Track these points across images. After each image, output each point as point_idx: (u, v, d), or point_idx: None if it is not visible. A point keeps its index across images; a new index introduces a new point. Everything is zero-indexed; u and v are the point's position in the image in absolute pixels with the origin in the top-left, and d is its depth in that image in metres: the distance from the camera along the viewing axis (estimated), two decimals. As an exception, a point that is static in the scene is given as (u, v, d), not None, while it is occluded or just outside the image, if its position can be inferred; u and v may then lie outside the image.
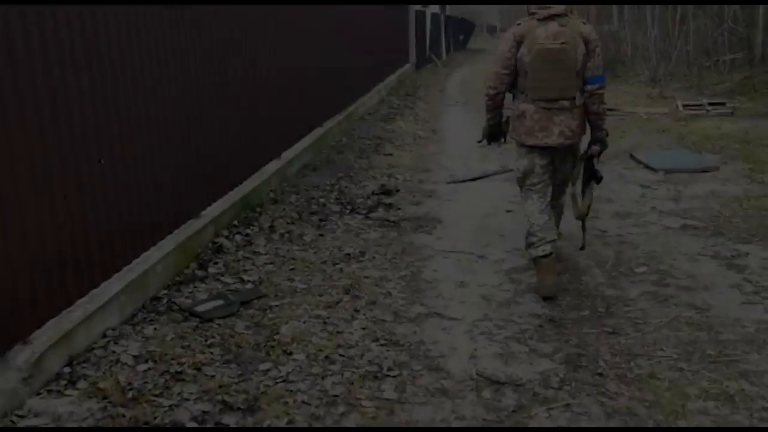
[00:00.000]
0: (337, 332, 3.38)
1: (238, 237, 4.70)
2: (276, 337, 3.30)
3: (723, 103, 10.06)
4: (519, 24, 3.87)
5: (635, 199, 5.79)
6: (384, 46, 13.86)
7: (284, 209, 5.41)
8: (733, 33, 14.27)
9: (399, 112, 11.45)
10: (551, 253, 3.87)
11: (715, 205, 5.48)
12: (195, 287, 3.86)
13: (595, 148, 3.98)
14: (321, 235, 4.92)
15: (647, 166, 6.85)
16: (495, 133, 4.23)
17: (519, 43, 3.79)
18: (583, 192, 4.14)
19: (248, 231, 4.84)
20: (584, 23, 3.87)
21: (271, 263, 4.30)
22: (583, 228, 4.23)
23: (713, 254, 4.42)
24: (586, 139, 4.04)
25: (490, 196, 5.93)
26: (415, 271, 4.26)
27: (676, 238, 4.75)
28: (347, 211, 5.52)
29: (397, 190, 6.14)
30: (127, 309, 3.42)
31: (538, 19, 3.77)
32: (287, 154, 6.65)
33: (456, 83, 17.85)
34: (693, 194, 5.83)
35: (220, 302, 3.62)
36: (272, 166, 6.10)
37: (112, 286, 3.34)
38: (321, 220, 5.23)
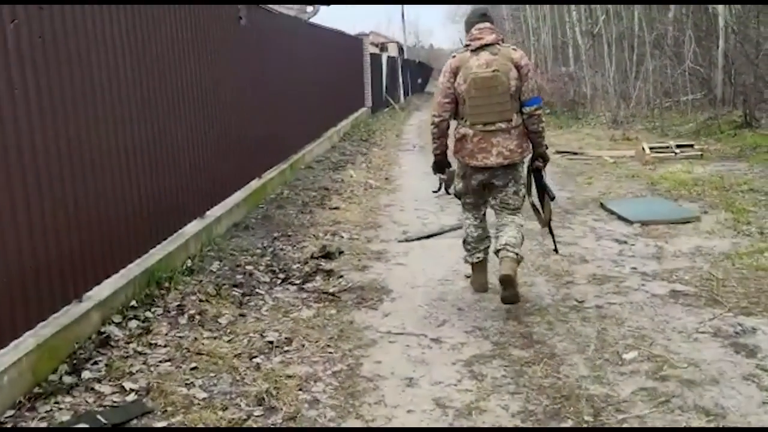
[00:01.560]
0: (237, 471, 2.48)
1: (133, 323, 3.77)
2: (150, 483, 2.39)
3: (691, 145, 9.55)
4: (454, 56, 4.08)
5: (612, 258, 5.04)
6: (338, 89, 13.19)
7: (200, 282, 4.49)
8: (692, 73, 14.02)
9: (351, 159, 10.68)
10: (484, 259, 4.35)
11: (704, 264, 4.76)
12: (56, 403, 2.91)
13: (538, 163, 4.22)
14: (242, 314, 4.03)
15: (621, 218, 6.15)
16: (441, 163, 4.29)
17: (455, 74, 4.01)
18: (541, 204, 4.36)
19: (148, 314, 3.91)
20: (515, 50, 4.05)
21: (169, 360, 3.38)
22: (551, 232, 4.48)
23: (714, 331, 3.66)
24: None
25: (447, 258, 5.13)
26: (353, 365, 3.40)
27: (665, 310, 3.99)
28: (278, 282, 4.64)
29: (341, 252, 5.31)
30: (-58, 448, 2.47)
31: (471, 50, 4.01)
32: (215, 211, 5.78)
33: (413, 127, 17.25)
34: (676, 251, 5.11)
35: (84, 427, 2.69)
36: (193, 228, 5.20)
37: None
38: (244, 295, 4.34)
